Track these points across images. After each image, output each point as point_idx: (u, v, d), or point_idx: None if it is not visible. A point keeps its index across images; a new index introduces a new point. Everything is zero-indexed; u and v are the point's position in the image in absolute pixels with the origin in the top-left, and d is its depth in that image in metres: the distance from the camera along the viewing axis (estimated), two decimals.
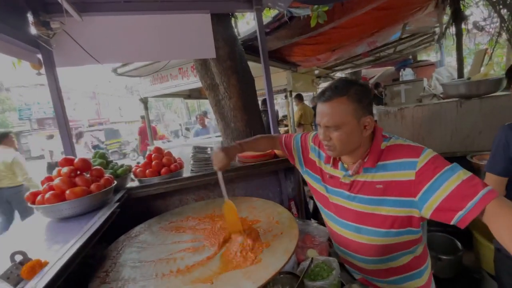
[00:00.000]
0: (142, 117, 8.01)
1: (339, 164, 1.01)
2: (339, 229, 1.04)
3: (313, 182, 1.14)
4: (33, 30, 1.44)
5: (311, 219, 2.18)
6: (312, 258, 1.02)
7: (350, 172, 0.97)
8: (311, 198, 2.18)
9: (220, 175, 1.10)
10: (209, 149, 1.77)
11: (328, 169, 1.06)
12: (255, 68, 2.42)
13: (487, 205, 0.69)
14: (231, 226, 1.05)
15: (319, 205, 1.15)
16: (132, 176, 1.58)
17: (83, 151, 6.74)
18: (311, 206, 2.29)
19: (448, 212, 0.75)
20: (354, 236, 0.98)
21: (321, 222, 2.09)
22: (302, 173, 1.23)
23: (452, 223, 0.75)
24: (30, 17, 1.44)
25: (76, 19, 1.50)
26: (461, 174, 0.75)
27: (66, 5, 1.36)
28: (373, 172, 0.91)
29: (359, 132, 0.90)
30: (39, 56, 1.51)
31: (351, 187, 0.96)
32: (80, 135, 6.76)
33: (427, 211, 0.79)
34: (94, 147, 9.49)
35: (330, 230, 1.12)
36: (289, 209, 1.76)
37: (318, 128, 0.97)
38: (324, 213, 1.12)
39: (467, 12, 4.08)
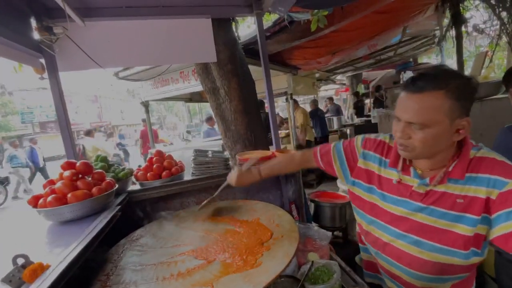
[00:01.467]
0: (144, 120, 8.09)
1: (411, 170, 0.87)
2: (391, 239, 0.91)
3: (361, 192, 0.99)
4: (36, 35, 1.46)
5: (312, 222, 2.18)
6: (312, 262, 1.02)
7: (427, 180, 0.82)
8: (312, 201, 2.18)
9: (224, 185, 1.27)
10: (210, 152, 1.77)
11: (393, 174, 0.91)
12: (256, 71, 2.44)
13: None
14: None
15: (360, 212, 1.01)
16: (133, 179, 1.59)
17: (110, 147, 8.79)
18: (312, 209, 2.29)
19: None
20: (411, 250, 0.86)
21: (322, 225, 2.08)
22: (347, 183, 1.06)
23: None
24: (33, 22, 1.45)
25: (78, 24, 1.52)
26: None
27: (69, 11, 1.38)
28: (460, 184, 0.78)
29: (449, 136, 0.75)
30: (42, 60, 1.53)
31: (425, 197, 0.82)
32: (110, 135, 9.27)
33: (494, 233, 0.74)
34: (118, 144, 10.36)
35: (374, 238, 0.97)
36: (290, 212, 1.76)
37: (394, 122, 0.82)
38: (368, 220, 0.98)
39: (467, 15, 4.10)
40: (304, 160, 1.18)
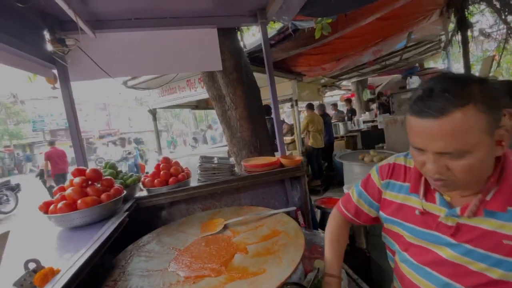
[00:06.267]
0: (50, 143, 7.33)
1: (437, 196, 0.70)
2: (417, 278, 0.74)
3: (395, 228, 0.81)
4: (49, 47, 1.52)
5: (318, 229, 2.15)
6: (318, 269, 1.01)
7: (458, 210, 0.65)
8: (318, 207, 2.16)
9: None
10: (215, 158, 1.79)
11: (414, 201, 0.75)
12: (261, 78, 2.47)
13: None
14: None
15: (396, 248, 0.82)
16: (141, 185, 1.61)
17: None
18: (318, 216, 2.27)
19: None
20: None
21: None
22: (383, 221, 0.87)
23: None
24: (46, 35, 1.52)
25: (90, 36, 1.58)
26: None
27: (81, 23, 1.44)
28: (502, 219, 0.60)
29: (493, 153, 0.59)
30: (55, 71, 1.59)
31: (457, 232, 0.66)
32: (124, 142, 10.26)
33: None
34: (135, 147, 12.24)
35: (400, 274, 0.80)
36: (296, 218, 1.75)
37: (412, 151, 0.67)
38: (401, 257, 0.80)
39: (472, 20, 4.08)
40: (346, 223, 0.99)
